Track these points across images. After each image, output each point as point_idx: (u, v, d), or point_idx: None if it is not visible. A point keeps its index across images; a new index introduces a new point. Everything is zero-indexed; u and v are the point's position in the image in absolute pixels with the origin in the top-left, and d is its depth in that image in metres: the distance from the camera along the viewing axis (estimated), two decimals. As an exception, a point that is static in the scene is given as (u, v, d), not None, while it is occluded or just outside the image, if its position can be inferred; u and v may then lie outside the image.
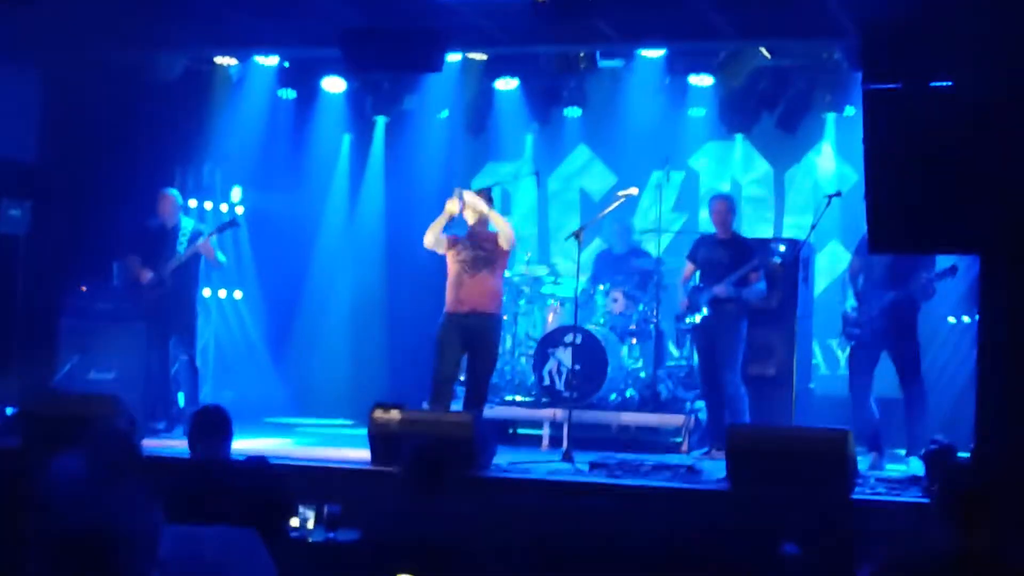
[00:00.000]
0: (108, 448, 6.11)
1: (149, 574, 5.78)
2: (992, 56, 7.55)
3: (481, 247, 10.12)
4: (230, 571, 5.77)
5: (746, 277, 10.51)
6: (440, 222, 10.07)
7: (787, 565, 6.89)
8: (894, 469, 9.67)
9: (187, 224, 11.25)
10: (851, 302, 10.24)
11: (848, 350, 10.51)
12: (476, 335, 10.06)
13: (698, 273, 10.83)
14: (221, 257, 11.30)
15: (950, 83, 7.65)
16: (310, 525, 7.09)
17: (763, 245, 11.35)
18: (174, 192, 11.38)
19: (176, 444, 10.19)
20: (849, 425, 9.06)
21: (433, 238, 10.10)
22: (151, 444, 9.88)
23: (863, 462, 9.17)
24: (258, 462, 6.55)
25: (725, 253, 10.61)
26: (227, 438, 6.40)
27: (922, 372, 10.16)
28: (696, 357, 11.13)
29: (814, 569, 6.85)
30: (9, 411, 10.22)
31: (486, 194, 10.32)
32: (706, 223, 12.80)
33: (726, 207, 10.76)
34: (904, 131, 7.51)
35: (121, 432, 6.28)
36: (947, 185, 7.41)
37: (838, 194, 10.51)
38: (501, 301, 10.39)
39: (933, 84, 7.67)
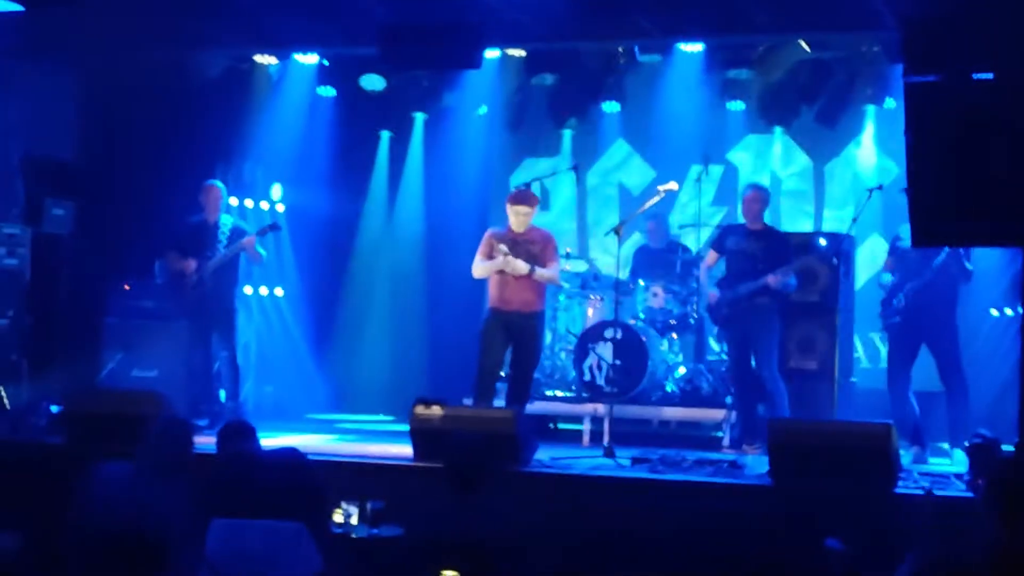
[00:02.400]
0: (161, 447, 6.16)
1: (197, 570, 5.86)
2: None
3: (524, 250, 10.15)
4: (276, 564, 5.82)
5: (786, 273, 10.36)
6: (491, 269, 10.19)
7: (830, 560, 6.87)
8: (937, 463, 9.62)
9: (227, 221, 11.30)
10: (888, 283, 10.20)
11: (888, 342, 10.47)
12: (521, 331, 10.13)
13: (724, 264, 10.76)
14: (262, 251, 11.35)
15: (991, 75, 7.61)
16: (353, 521, 7.12)
17: (798, 239, 11.30)
18: (220, 185, 11.44)
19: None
20: (891, 418, 9.03)
21: (482, 275, 10.30)
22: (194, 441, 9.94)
23: (906, 456, 9.14)
24: (290, 453, 6.58)
25: (758, 245, 10.47)
26: (253, 439, 6.43)
27: (963, 364, 10.09)
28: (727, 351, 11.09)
29: (857, 564, 6.82)
30: (54, 409, 10.32)
31: (534, 198, 10.37)
32: (745, 217, 12.82)
33: (759, 197, 10.63)
34: (946, 124, 7.46)
35: (175, 431, 6.31)
36: (990, 177, 7.37)
37: (879, 187, 10.46)
38: (544, 298, 10.44)
39: (975, 76, 7.63)
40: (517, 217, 10.22)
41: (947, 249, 9.77)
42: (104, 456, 6.45)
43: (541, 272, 10.16)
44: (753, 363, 10.50)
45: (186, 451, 6.35)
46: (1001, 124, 7.44)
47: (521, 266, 10.09)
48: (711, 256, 10.82)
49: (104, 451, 6.34)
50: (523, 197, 10.39)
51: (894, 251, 10.38)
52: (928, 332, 10.05)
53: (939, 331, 10.02)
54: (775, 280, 10.23)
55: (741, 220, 10.91)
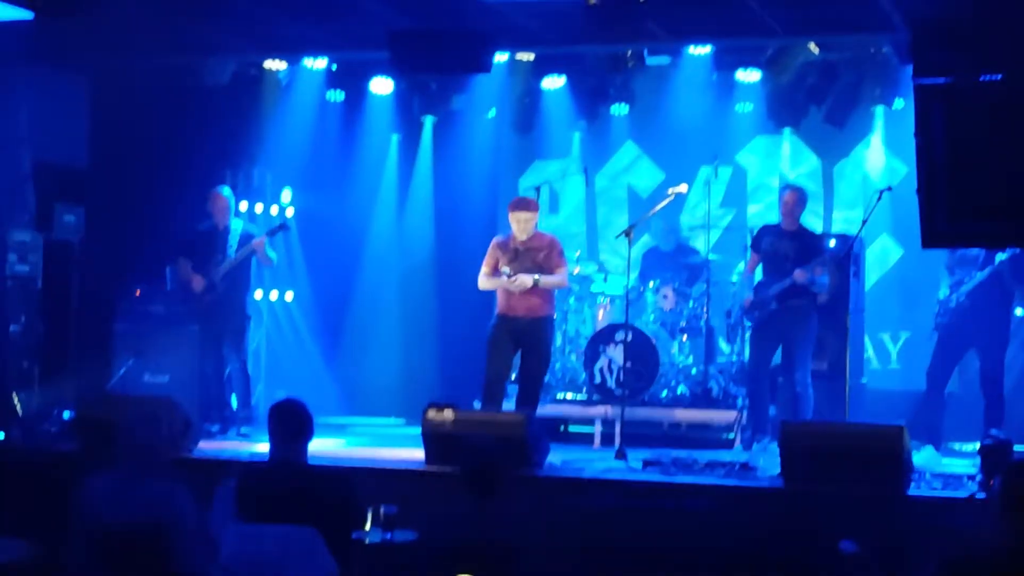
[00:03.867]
0: (135, 445, 6.14)
1: (211, 573, 5.88)
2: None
3: (531, 259, 10.14)
4: (291, 570, 5.84)
5: (812, 269, 10.34)
6: (495, 286, 10.20)
7: (843, 562, 6.87)
8: (950, 464, 9.62)
9: (237, 226, 11.32)
10: (944, 291, 10.20)
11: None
12: (528, 335, 10.12)
13: (760, 265, 10.77)
14: (272, 254, 11.37)
15: (1000, 76, 7.61)
16: (367, 526, 7.11)
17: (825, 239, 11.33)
18: (226, 192, 11.45)
19: (230, 445, 10.30)
20: (902, 418, 9.03)
21: (487, 289, 10.32)
22: (205, 446, 9.97)
23: (918, 456, 9.14)
24: (337, 471, 6.60)
25: (791, 245, 10.45)
26: (308, 439, 6.44)
27: (1004, 373, 10.07)
28: (748, 349, 11.05)
29: (871, 566, 6.83)
30: (66, 415, 10.34)
31: (534, 204, 10.36)
32: (754, 218, 12.81)
33: (796, 198, 10.59)
34: (956, 125, 7.47)
35: (147, 429, 6.27)
36: (1000, 178, 7.37)
37: (889, 189, 10.46)
38: (553, 303, 10.44)
39: (984, 78, 7.63)
40: (518, 224, 10.21)
41: (1009, 250, 9.77)
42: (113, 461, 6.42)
43: (547, 280, 10.16)
44: (775, 363, 10.49)
45: (165, 447, 6.28)
46: (1011, 125, 7.44)
47: (524, 282, 10.09)
48: (753, 258, 10.79)
49: (116, 457, 6.31)
50: (522, 203, 10.38)
51: (954, 250, 10.31)
52: (979, 335, 10.06)
53: (990, 335, 10.03)
54: (802, 276, 10.22)
55: (752, 223, 10.88)
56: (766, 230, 10.80)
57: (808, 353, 10.44)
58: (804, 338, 10.40)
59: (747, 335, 11.26)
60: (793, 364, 10.37)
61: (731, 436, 11.07)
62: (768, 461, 9.24)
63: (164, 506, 5.95)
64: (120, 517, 5.89)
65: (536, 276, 10.10)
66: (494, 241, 10.39)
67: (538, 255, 10.16)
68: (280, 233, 11.67)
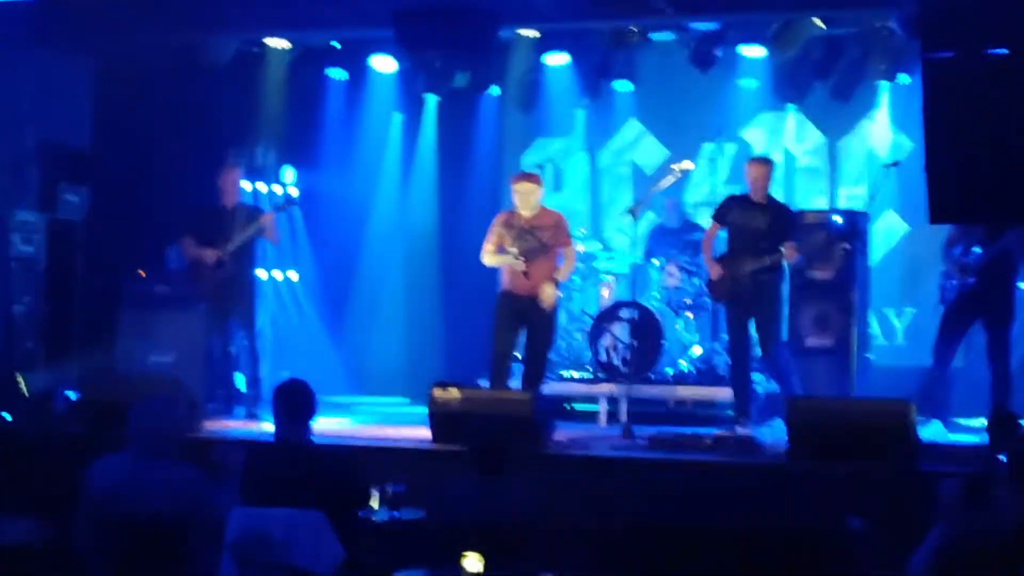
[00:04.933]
0: (146, 428, 6.13)
1: (218, 555, 5.88)
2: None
3: (536, 237, 10.09)
4: (298, 552, 5.84)
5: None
6: (500, 263, 10.15)
7: (852, 539, 6.87)
8: (957, 438, 9.62)
9: (243, 204, 11.30)
10: (949, 266, 10.18)
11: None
12: (534, 313, 10.08)
13: (725, 235, 10.56)
14: (277, 231, 11.36)
15: (1006, 50, 7.58)
16: (374, 505, 7.11)
17: (813, 217, 11.27)
18: (239, 169, 11.43)
19: (237, 425, 10.31)
20: (908, 393, 9.02)
21: (491, 265, 10.26)
22: (212, 426, 9.98)
23: (925, 431, 9.13)
24: (343, 450, 6.60)
25: (763, 219, 10.25)
26: (311, 418, 6.44)
27: (1011, 347, 10.03)
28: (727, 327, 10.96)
29: (880, 542, 6.82)
30: (72, 396, 10.34)
31: (537, 177, 10.31)
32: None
33: (766, 172, 10.38)
34: (964, 99, 7.46)
35: (159, 412, 6.25)
36: (1009, 153, 7.35)
37: (896, 164, 10.42)
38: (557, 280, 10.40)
39: (990, 52, 7.61)
40: (520, 196, 10.12)
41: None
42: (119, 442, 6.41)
43: (565, 272, 10.21)
44: (756, 341, 10.44)
45: (170, 435, 6.26)
46: (1017, 99, 7.42)
47: (550, 293, 10.07)
48: (712, 227, 10.56)
49: (121, 438, 6.30)
50: (524, 175, 10.37)
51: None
52: (985, 307, 10.03)
53: (997, 307, 9.99)
54: (791, 254, 10.10)
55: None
56: (734, 200, 10.54)
57: (781, 325, 10.34)
58: (774, 312, 10.28)
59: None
60: (767, 341, 10.25)
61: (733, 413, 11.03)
62: (775, 438, 9.23)
63: (175, 491, 5.94)
64: (130, 501, 5.88)
65: (555, 280, 10.12)
66: (498, 217, 10.32)
67: (544, 234, 10.09)
68: (287, 209, 11.64)
